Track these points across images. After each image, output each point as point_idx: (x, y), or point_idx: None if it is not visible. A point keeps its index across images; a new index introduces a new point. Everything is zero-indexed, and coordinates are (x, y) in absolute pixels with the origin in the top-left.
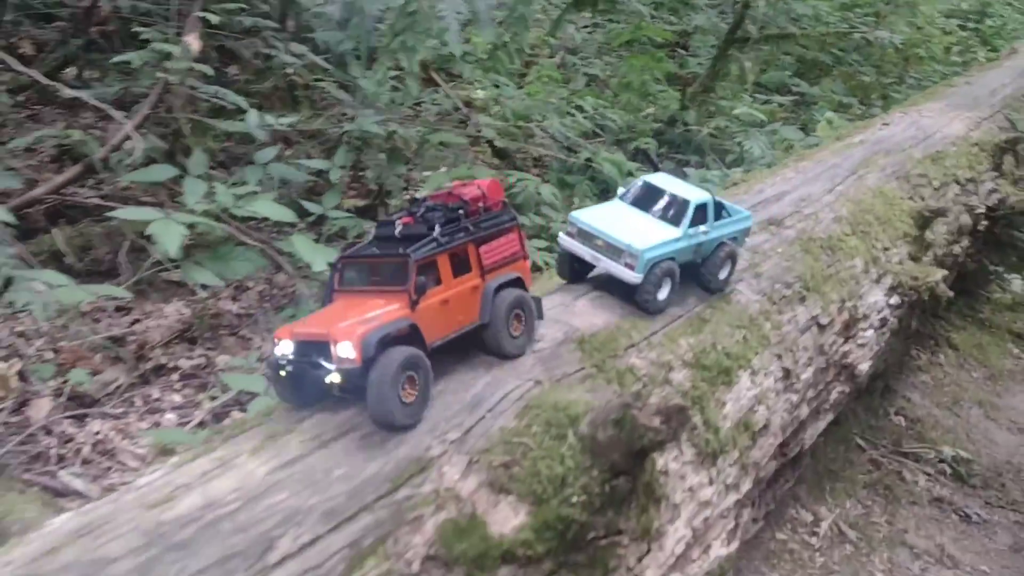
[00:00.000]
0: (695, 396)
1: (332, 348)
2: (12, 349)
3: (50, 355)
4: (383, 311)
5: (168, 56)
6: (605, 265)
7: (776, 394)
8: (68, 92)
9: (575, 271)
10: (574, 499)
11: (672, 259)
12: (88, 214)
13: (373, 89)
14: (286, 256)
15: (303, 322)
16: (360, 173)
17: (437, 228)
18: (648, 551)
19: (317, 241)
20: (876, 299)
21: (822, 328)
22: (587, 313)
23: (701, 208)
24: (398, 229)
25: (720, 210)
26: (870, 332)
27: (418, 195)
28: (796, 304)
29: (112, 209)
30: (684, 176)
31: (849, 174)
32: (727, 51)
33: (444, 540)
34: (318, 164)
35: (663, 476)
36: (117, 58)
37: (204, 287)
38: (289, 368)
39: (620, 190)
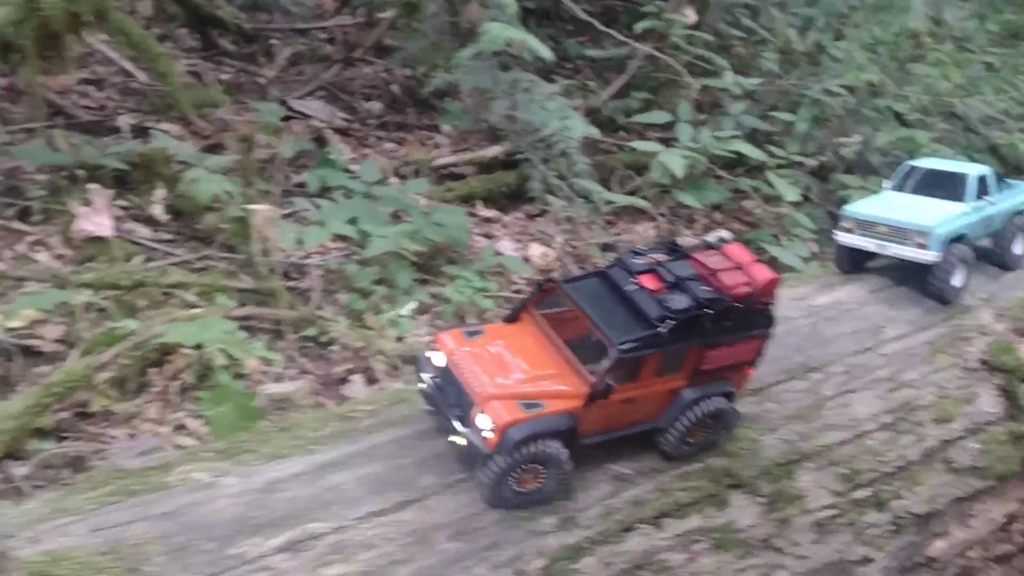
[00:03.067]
0: None
1: (473, 411)
2: (543, 241)
3: (594, 250)
4: (551, 389)
5: (657, 21)
6: (895, 252)
7: None
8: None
9: (854, 261)
10: None
11: (964, 238)
12: None
13: (849, 58)
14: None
15: (477, 342)
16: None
17: (667, 324)
18: None
19: None
20: None
21: None
22: None
23: (982, 180)
24: (631, 287)
25: (999, 182)
26: None
27: (682, 240)
28: None
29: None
30: None
31: None
32: None
33: (992, 352)
34: (785, 116)
35: None
36: (637, 25)
37: (662, 215)
38: (428, 387)
39: (885, 183)
